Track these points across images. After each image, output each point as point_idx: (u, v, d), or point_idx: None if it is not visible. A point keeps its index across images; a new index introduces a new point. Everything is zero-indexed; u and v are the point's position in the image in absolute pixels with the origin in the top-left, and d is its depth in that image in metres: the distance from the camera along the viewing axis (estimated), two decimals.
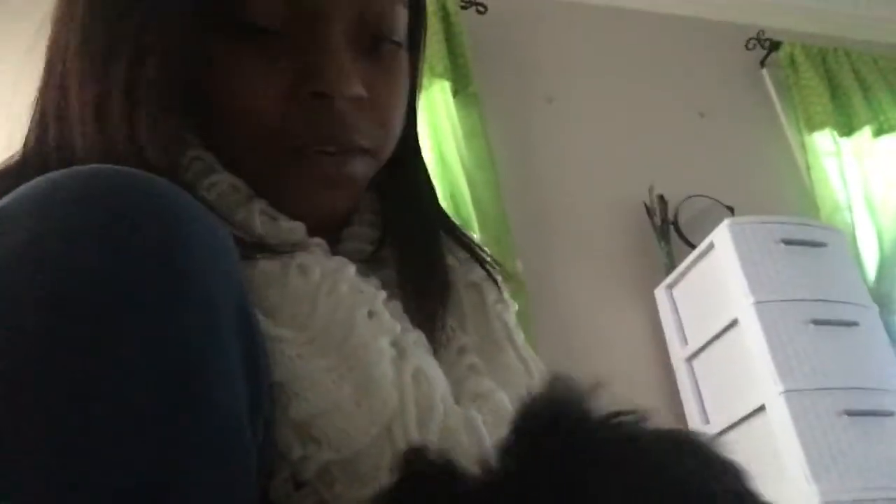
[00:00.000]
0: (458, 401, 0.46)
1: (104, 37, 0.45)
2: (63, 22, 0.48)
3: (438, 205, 0.60)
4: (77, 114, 0.45)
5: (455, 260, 0.57)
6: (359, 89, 0.47)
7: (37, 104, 0.49)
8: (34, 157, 0.46)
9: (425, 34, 0.59)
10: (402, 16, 0.52)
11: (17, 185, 0.32)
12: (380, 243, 0.54)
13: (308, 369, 0.39)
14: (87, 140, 0.44)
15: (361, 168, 0.50)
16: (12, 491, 0.25)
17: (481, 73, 2.50)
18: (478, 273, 0.57)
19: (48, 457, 0.26)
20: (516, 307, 0.57)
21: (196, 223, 0.32)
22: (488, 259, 0.59)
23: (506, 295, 0.57)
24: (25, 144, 0.48)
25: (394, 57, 0.52)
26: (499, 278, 0.58)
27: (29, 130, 0.49)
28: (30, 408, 0.26)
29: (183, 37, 0.45)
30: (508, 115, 2.55)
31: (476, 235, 0.63)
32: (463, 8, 2.55)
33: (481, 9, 2.59)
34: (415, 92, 0.58)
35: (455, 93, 2.38)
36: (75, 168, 0.32)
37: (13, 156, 0.48)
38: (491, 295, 0.56)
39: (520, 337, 0.54)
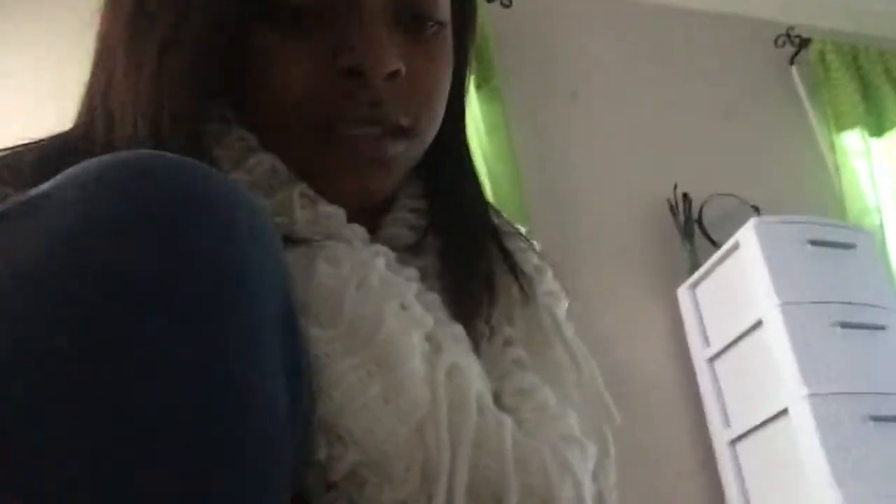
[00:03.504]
0: (500, 396, 0.45)
1: (144, 18, 0.45)
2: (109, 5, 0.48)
3: (483, 195, 0.58)
4: (121, 93, 0.44)
5: (508, 249, 0.55)
6: (394, 64, 0.46)
7: (86, 90, 0.49)
8: (81, 141, 0.46)
9: (475, 16, 0.57)
10: None
11: (58, 168, 0.31)
12: (424, 232, 0.52)
13: (335, 367, 0.38)
14: (125, 118, 0.43)
15: (401, 149, 0.48)
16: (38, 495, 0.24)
17: (505, 67, 2.48)
18: (527, 263, 0.55)
19: (77, 459, 0.25)
20: (566, 302, 0.55)
21: (247, 221, 0.31)
22: (537, 251, 0.57)
23: (556, 287, 0.56)
24: (73, 130, 0.48)
25: (436, 36, 0.50)
26: (549, 270, 0.56)
27: (77, 117, 0.49)
28: (58, 408, 0.25)
29: (221, 15, 0.44)
30: (531, 110, 2.53)
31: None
32: (488, 1, 2.53)
33: (506, 2, 2.57)
34: (463, 77, 0.56)
35: (478, 86, 2.36)
36: (121, 154, 0.31)
37: (59, 135, 0.48)
38: (540, 286, 0.54)
39: (569, 331, 0.52)
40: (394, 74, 0.46)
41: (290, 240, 0.42)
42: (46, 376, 0.25)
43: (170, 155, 0.32)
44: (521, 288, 0.53)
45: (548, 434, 0.43)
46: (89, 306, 0.26)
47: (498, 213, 0.60)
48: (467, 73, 0.57)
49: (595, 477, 0.45)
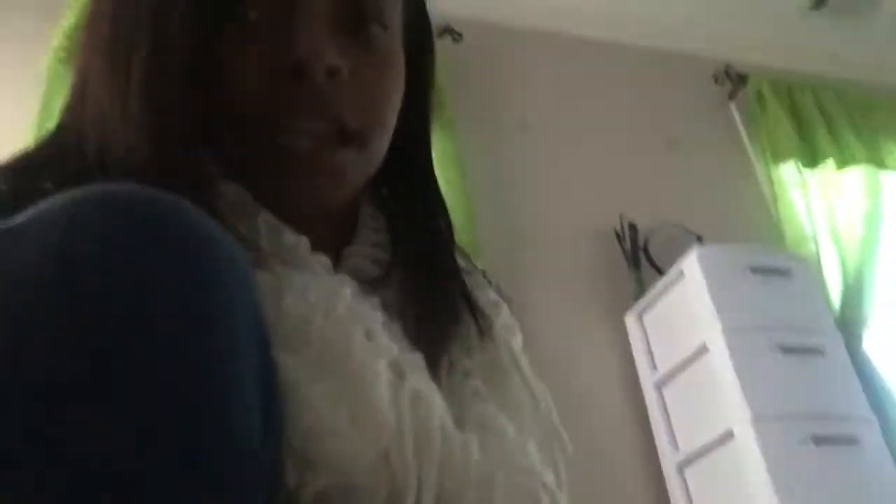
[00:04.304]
0: (460, 426, 0.45)
1: (110, 32, 0.46)
2: (82, 24, 0.49)
3: (449, 227, 0.58)
4: (90, 111, 0.46)
5: (467, 286, 0.56)
6: (333, 58, 0.46)
7: (65, 115, 0.50)
8: (55, 162, 0.46)
9: (430, 35, 0.58)
10: (389, 1, 0.51)
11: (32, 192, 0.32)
12: (388, 267, 0.52)
13: (304, 393, 0.38)
14: (104, 138, 0.45)
15: (348, 157, 0.48)
16: None
17: (456, 100, 2.52)
18: (485, 297, 0.56)
19: (51, 476, 0.25)
20: (521, 336, 0.56)
21: (221, 243, 0.32)
22: (494, 287, 0.59)
23: (512, 321, 0.57)
24: (41, 150, 0.49)
25: (383, 41, 0.51)
26: (505, 306, 0.57)
27: (52, 138, 0.49)
28: (34, 430, 0.25)
29: (176, 32, 0.45)
30: (482, 142, 2.58)
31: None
32: (438, 36, 2.58)
33: (456, 36, 2.62)
34: (426, 103, 0.57)
35: None
36: (100, 186, 0.32)
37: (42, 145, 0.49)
38: (497, 320, 0.55)
39: (525, 364, 0.53)
40: (334, 71, 0.46)
41: (256, 266, 0.42)
42: (22, 402, 0.26)
43: (140, 187, 0.32)
44: (478, 324, 0.53)
45: (506, 462, 0.44)
46: (63, 337, 0.27)
47: (459, 248, 0.60)
48: (430, 99, 0.58)
49: None
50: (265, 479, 0.32)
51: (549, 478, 0.47)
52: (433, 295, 0.52)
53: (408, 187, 0.57)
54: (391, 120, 0.52)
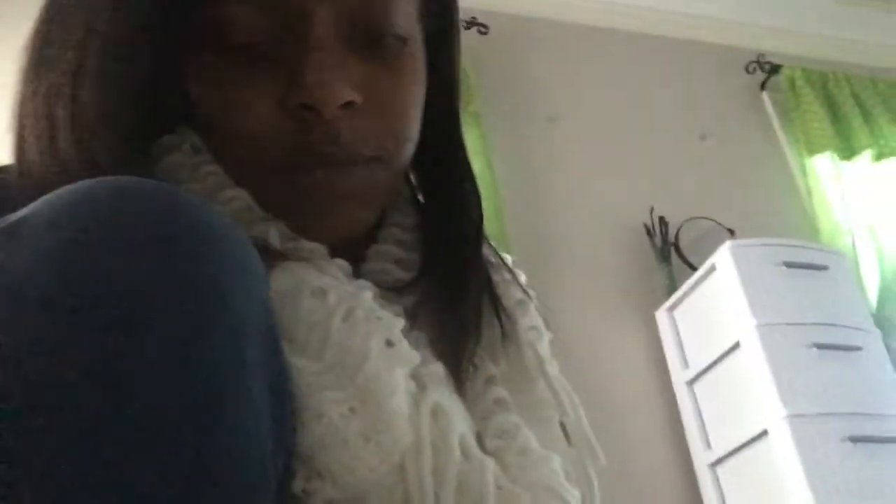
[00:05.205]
0: (482, 438, 0.44)
1: (49, 42, 0.44)
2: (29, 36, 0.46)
3: (480, 225, 0.56)
4: (25, 122, 0.43)
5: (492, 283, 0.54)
6: (346, 95, 0.44)
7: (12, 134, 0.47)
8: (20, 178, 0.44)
9: (455, 29, 0.55)
10: (403, 7, 0.47)
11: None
12: (418, 271, 0.50)
13: (317, 400, 0.36)
14: (34, 149, 0.42)
15: (369, 177, 0.46)
16: None
17: (483, 93, 2.50)
18: (511, 297, 0.53)
19: (49, 488, 0.24)
20: (550, 335, 0.54)
21: (228, 241, 0.31)
22: (521, 283, 0.56)
23: (539, 321, 0.54)
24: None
25: (399, 53, 0.47)
26: (532, 305, 0.55)
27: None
28: (33, 433, 0.24)
29: (131, 52, 0.43)
30: (510, 135, 2.55)
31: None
32: (465, 28, 2.56)
33: (483, 29, 2.60)
34: (453, 94, 0.55)
35: None
36: (103, 179, 0.31)
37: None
38: (523, 321, 0.52)
39: (553, 367, 0.51)
40: (348, 104, 0.44)
41: (273, 265, 0.41)
42: (26, 398, 0.25)
43: (147, 180, 0.31)
44: (502, 326, 0.51)
45: (531, 480, 0.42)
46: (72, 326, 0.26)
47: (486, 240, 0.58)
48: (457, 95, 0.55)
49: None
50: (273, 486, 0.31)
51: (575, 495, 0.45)
52: (460, 303, 0.50)
53: (439, 173, 0.55)
54: (412, 132, 0.49)
